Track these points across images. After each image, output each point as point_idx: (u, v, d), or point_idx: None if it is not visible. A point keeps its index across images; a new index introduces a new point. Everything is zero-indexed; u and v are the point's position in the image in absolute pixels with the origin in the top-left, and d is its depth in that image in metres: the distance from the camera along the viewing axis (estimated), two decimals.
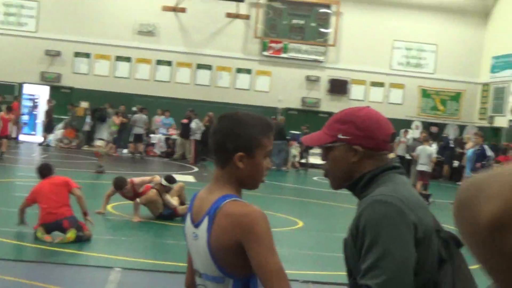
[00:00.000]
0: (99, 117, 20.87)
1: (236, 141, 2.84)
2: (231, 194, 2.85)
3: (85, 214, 10.58)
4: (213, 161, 3.02)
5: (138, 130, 27.56)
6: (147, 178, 13.52)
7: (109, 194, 13.19)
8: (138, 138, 27.70)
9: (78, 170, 20.09)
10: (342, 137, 2.85)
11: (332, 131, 2.90)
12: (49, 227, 10.28)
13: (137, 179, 13.28)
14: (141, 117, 27.79)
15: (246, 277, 2.81)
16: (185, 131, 27.86)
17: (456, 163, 28.63)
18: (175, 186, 13.30)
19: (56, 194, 10.37)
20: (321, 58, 32.71)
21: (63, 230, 10.29)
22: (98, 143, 20.69)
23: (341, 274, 3.34)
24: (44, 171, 10.81)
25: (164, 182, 13.18)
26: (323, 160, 2.98)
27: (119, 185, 12.98)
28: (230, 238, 2.74)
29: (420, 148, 20.66)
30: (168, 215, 13.09)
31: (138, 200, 12.91)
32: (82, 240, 10.36)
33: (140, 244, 11.01)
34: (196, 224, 2.89)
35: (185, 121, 28.05)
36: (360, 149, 2.83)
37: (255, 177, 2.92)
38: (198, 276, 2.96)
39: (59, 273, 8.86)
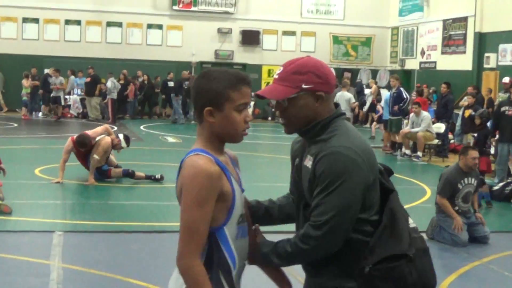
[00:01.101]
0: None
1: (204, 97, 2.98)
2: (199, 148, 2.97)
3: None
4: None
5: (55, 92, 26.88)
6: (98, 129, 13.19)
7: (65, 159, 12.57)
8: (55, 100, 27.06)
9: None
10: (305, 86, 3.08)
11: (294, 82, 3.10)
12: None
13: (89, 132, 12.95)
14: (58, 79, 27.08)
15: (211, 228, 2.93)
16: (88, 90, 27.62)
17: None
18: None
19: None
20: (231, 9, 32.56)
21: None
22: None
23: None
24: None
25: (123, 141, 13.07)
26: (280, 110, 3.18)
27: (85, 142, 12.51)
28: (179, 186, 2.93)
29: (338, 94, 20.96)
30: (104, 172, 12.95)
31: (95, 156, 12.56)
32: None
33: (77, 206, 10.89)
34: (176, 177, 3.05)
35: (88, 79, 27.68)
36: (323, 95, 3.11)
37: (229, 130, 3.01)
38: None
39: (1, 241, 8.70)
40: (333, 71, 3.38)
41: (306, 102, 3.10)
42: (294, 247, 3.04)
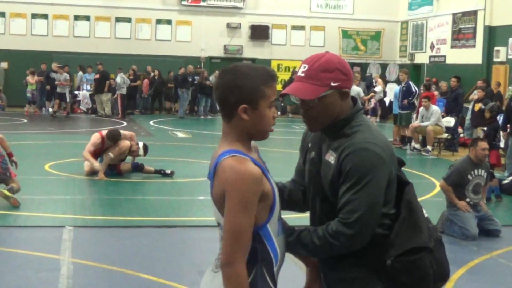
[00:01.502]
0: None
1: (238, 94, 2.91)
2: (233, 149, 2.91)
3: (10, 155, 10.39)
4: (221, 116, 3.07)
5: (60, 88, 26.89)
6: (127, 132, 13.50)
7: (90, 151, 12.78)
8: (61, 96, 27.07)
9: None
10: (334, 84, 3.09)
11: (323, 80, 3.10)
12: None
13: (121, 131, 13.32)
14: (62, 75, 27.07)
15: (255, 227, 2.92)
16: (98, 86, 27.63)
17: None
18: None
19: None
20: (240, 4, 32.54)
21: None
22: None
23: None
24: None
25: (141, 149, 13.25)
26: (305, 109, 3.18)
27: (117, 138, 12.81)
28: (221, 191, 2.86)
29: None
30: (114, 167, 13.04)
31: (110, 153, 12.72)
32: (13, 191, 10.12)
33: (87, 201, 10.91)
34: (208, 177, 2.99)
35: (97, 76, 27.67)
36: (348, 91, 3.16)
37: (262, 127, 2.98)
38: (217, 227, 3.04)
39: (11, 235, 8.74)
40: None
41: (334, 99, 3.12)
42: (324, 242, 3.06)
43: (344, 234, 3.01)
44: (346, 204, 3.02)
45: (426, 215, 3.24)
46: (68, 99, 27.34)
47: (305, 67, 3.14)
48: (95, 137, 12.89)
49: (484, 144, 9.55)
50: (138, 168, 13.09)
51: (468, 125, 19.63)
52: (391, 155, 3.11)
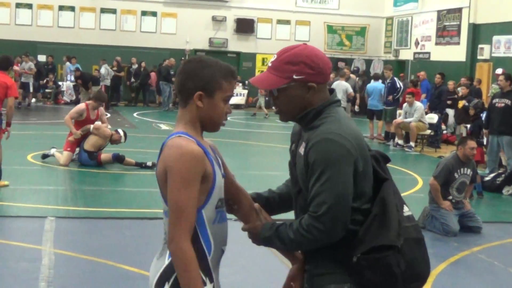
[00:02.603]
0: None
1: (197, 81, 3.00)
2: (181, 131, 3.00)
3: (8, 124, 10.59)
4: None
5: (24, 77, 26.34)
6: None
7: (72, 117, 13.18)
8: (24, 86, 26.29)
9: None
10: (296, 77, 3.08)
11: (285, 72, 3.09)
12: None
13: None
14: (27, 63, 26.67)
15: None
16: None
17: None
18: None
19: None
20: None
21: None
22: None
23: None
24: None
25: (123, 138, 13.52)
26: (273, 99, 3.20)
27: (103, 98, 13.76)
28: (162, 168, 2.93)
29: (335, 83, 20.90)
30: (95, 156, 13.08)
31: (93, 126, 13.15)
32: None
33: (69, 192, 10.88)
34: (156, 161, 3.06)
35: (78, 81, 27.38)
36: (314, 86, 3.10)
37: (214, 118, 3.05)
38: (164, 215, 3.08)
39: None
40: None
41: (297, 92, 3.10)
42: (298, 236, 3.03)
43: (315, 227, 2.97)
44: (314, 197, 2.98)
45: (409, 212, 3.16)
46: (31, 89, 26.68)
47: (274, 57, 3.17)
48: (79, 105, 13.35)
49: (473, 144, 9.61)
50: (118, 159, 13.06)
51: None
52: (359, 145, 3.03)
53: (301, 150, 3.11)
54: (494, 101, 14.23)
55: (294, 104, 3.12)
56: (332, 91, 3.24)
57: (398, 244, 3.00)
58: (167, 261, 2.98)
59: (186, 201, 2.86)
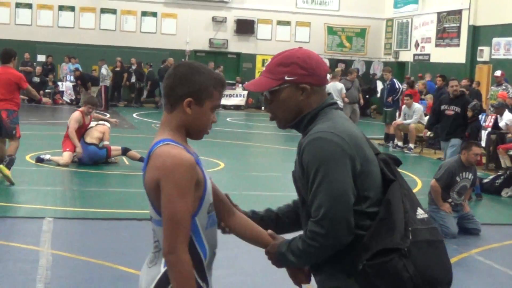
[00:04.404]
0: None
1: (188, 87, 2.94)
2: (168, 138, 2.92)
3: (40, 101, 11.43)
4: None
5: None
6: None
7: (75, 128, 13.12)
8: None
9: None
10: (288, 78, 3.03)
11: (277, 74, 3.07)
12: None
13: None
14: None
15: None
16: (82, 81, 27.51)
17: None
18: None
19: (3, 86, 10.71)
20: None
21: None
22: None
23: None
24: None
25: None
26: (268, 104, 3.16)
27: (94, 102, 13.78)
28: (153, 178, 2.87)
29: (330, 84, 20.85)
30: (102, 154, 13.26)
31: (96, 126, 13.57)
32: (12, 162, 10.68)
33: (67, 193, 10.88)
34: (142, 169, 3.01)
35: (77, 73, 27.44)
36: (307, 87, 3.05)
37: (200, 126, 3.00)
38: (150, 220, 3.04)
39: None
40: (327, 62, 3.34)
41: (290, 94, 3.06)
42: (305, 245, 2.94)
43: (317, 233, 2.88)
44: (312, 201, 2.90)
45: (424, 215, 3.04)
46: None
47: (269, 61, 3.16)
48: (75, 114, 13.26)
49: (477, 150, 9.65)
50: (126, 150, 13.36)
51: None
52: (355, 144, 2.94)
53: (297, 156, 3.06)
54: (442, 107, 13.43)
55: (287, 108, 3.08)
56: (328, 94, 3.19)
57: (403, 246, 2.85)
58: (162, 269, 2.93)
59: (183, 212, 2.82)
